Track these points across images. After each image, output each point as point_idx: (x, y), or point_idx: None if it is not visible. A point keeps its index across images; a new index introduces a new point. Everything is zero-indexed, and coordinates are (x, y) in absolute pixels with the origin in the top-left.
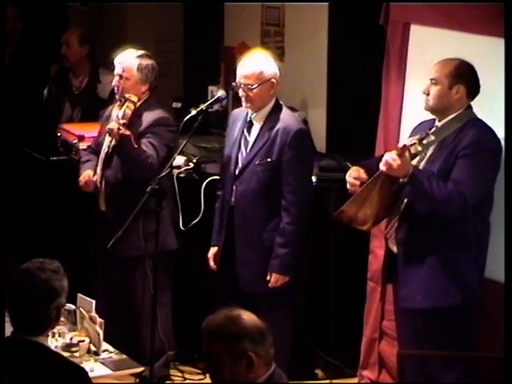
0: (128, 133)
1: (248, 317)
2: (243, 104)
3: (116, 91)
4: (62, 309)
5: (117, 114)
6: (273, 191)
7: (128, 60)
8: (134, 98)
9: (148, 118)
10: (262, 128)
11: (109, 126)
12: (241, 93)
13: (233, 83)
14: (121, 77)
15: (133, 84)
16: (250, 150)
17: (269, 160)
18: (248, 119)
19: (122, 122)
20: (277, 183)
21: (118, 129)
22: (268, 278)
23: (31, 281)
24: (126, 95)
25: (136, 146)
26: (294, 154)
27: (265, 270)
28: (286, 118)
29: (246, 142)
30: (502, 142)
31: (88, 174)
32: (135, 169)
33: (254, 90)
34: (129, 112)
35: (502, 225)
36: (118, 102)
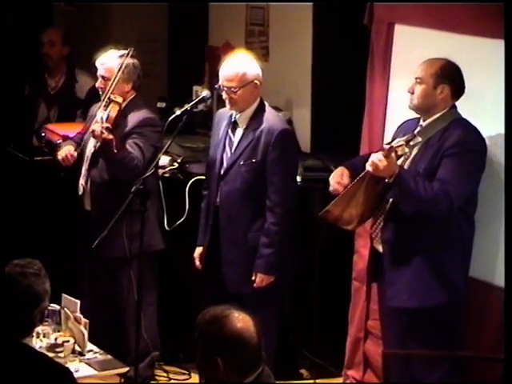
0: (111, 137)
1: (235, 321)
2: (227, 106)
3: (100, 92)
4: (45, 310)
5: (101, 116)
6: (258, 191)
7: (109, 61)
8: (119, 99)
9: (134, 118)
10: (246, 128)
11: (92, 127)
12: (224, 95)
13: (216, 86)
14: (103, 78)
15: (116, 84)
16: (235, 150)
17: (253, 160)
18: (232, 120)
19: (105, 125)
20: (262, 183)
21: (101, 132)
22: (253, 277)
23: (13, 287)
24: (111, 96)
25: (121, 147)
26: (278, 154)
27: (250, 270)
28: (270, 118)
29: (231, 142)
30: (487, 142)
31: (68, 149)
32: (120, 170)
33: (238, 93)
34: (113, 114)
35: (485, 223)
36: (104, 103)
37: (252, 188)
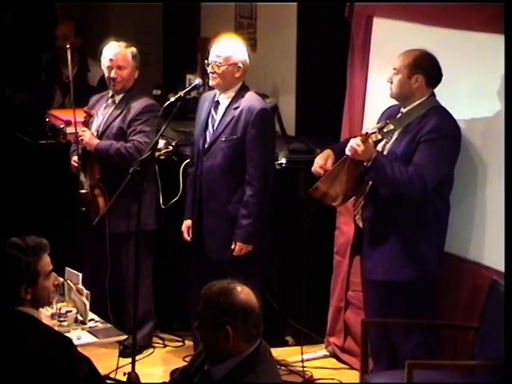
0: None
1: (240, 293)
2: (210, 81)
3: (113, 82)
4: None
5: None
6: (237, 166)
7: (121, 51)
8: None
9: (136, 105)
10: (227, 107)
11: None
12: (209, 69)
13: (205, 61)
14: (119, 67)
15: (130, 72)
16: (217, 127)
17: (234, 137)
18: (215, 99)
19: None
20: (241, 159)
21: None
22: (232, 246)
23: (8, 261)
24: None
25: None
26: (256, 131)
27: (230, 239)
28: (251, 98)
29: (213, 120)
30: (464, 127)
31: (73, 159)
32: (112, 161)
33: (221, 68)
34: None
35: (460, 203)
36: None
37: (232, 163)
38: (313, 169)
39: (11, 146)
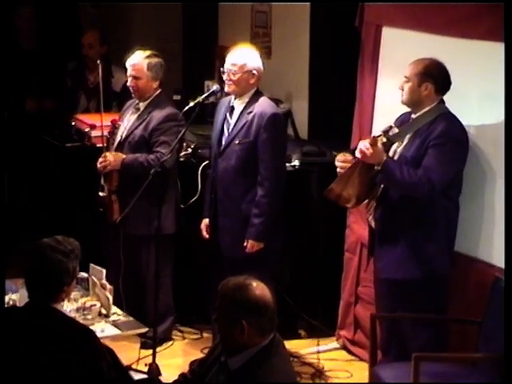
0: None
1: (255, 289)
2: (225, 87)
3: (132, 91)
4: (72, 283)
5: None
6: (250, 168)
7: (138, 61)
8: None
9: (158, 115)
10: (241, 112)
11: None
12: (225, 77)
13: (221, 69)
14: (134, 77)
15: (145, 82)
16: (231, 131)
17: (247, 140)
18: (231, 105)
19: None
20: (254, 161)
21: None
22: (245, 244)
23: (42, 259)
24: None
25: (127, 162)
26: (268, 135)
27: (242, 236)
28: (263, 104)
29: (228, 124)
30: (472, 132)
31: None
32: (137, 174)
33: (237, 76)
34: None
35: (469, 204)
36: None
37: (245, 164)
38: (338, 169)
39: (40, 148)
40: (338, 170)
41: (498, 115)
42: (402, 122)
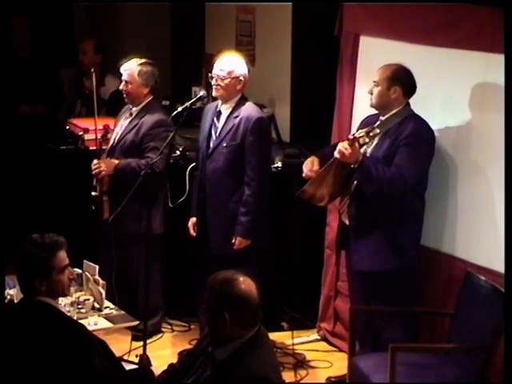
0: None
1: (241, 283)
2: (213, 92)
3: (124, 94)
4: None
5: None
6: (237, 169)
7: (130, 67)
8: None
9: (148, 120)
10: (228, 116)
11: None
12: (213, 82)
13: (209, 74)
14: (126, 82)
15: (135, 87)
16: (219, 134)
17: (234, 143)
18: (217, 109)
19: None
20: (240, 162)
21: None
22: (233, 241)
23: (18, 252)
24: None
25: (120, 167)
26: (254, 138)
27: (230, 234)
28: (249, 108)
29: (216, 128)
30: (436, 133)
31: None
32: (130, 177)
33: (224, 81)
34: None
35: (434, 200)
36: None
37: (232, 166)
38: (304, 174)
39: (35, 151)
40: (303, 174)
41: (461, 119)
42: (367, 124)
